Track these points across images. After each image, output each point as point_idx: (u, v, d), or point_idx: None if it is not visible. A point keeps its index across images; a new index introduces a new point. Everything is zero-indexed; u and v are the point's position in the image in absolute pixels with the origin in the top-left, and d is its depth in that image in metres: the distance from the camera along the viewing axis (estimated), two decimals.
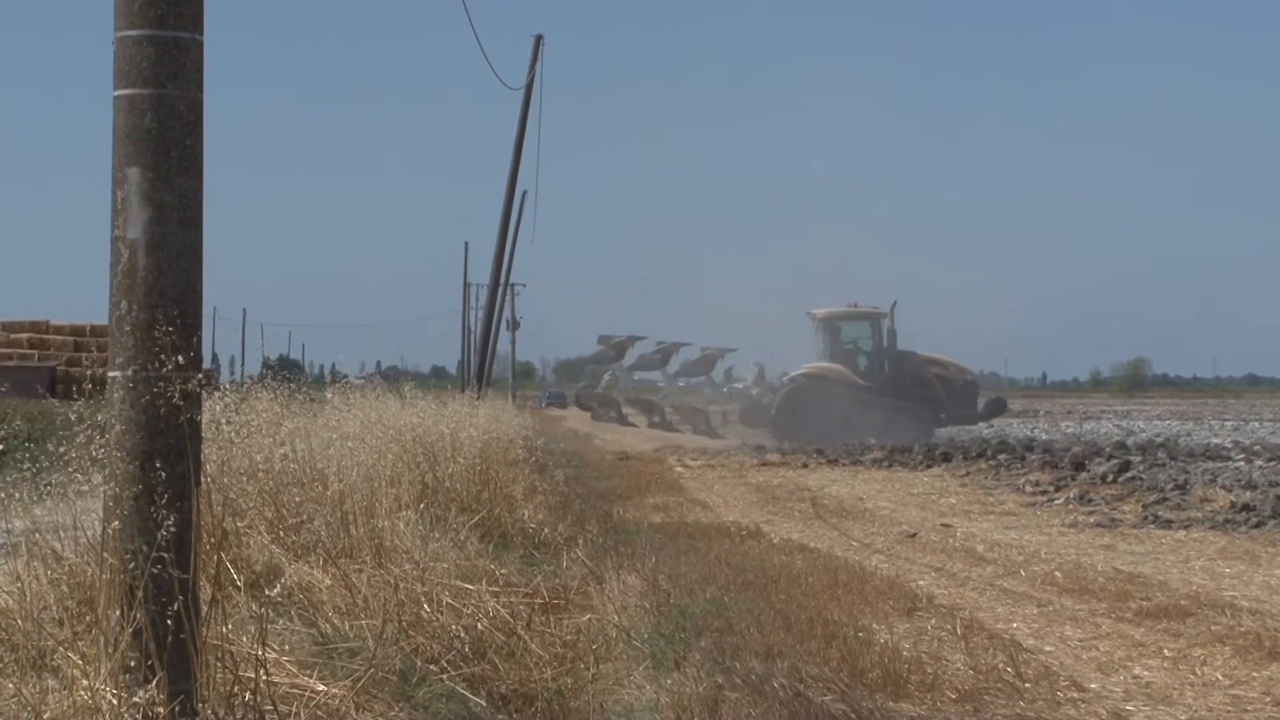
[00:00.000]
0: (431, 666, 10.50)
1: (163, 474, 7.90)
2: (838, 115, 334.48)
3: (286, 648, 9.58)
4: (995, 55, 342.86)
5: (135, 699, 7.72)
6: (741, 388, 53.46)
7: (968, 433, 52.38)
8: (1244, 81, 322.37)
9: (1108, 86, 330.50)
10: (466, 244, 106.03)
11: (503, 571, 13.85)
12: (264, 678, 8.50)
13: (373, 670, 9.49)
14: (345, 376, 25.57)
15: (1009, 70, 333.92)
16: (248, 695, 8.39)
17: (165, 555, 7.85)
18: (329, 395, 18.06)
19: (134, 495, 7.90)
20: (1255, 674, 11.69)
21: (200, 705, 8.03)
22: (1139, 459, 35.10)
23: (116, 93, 8.13)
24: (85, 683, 7.97)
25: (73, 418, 9.20)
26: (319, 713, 8.89)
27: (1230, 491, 25.39)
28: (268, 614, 9.47)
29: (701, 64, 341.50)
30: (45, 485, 10.41)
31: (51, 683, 8.42)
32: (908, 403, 50.27)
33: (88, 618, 8.75)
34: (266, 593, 10.34)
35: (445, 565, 12.76)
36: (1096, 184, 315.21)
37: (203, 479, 8.31)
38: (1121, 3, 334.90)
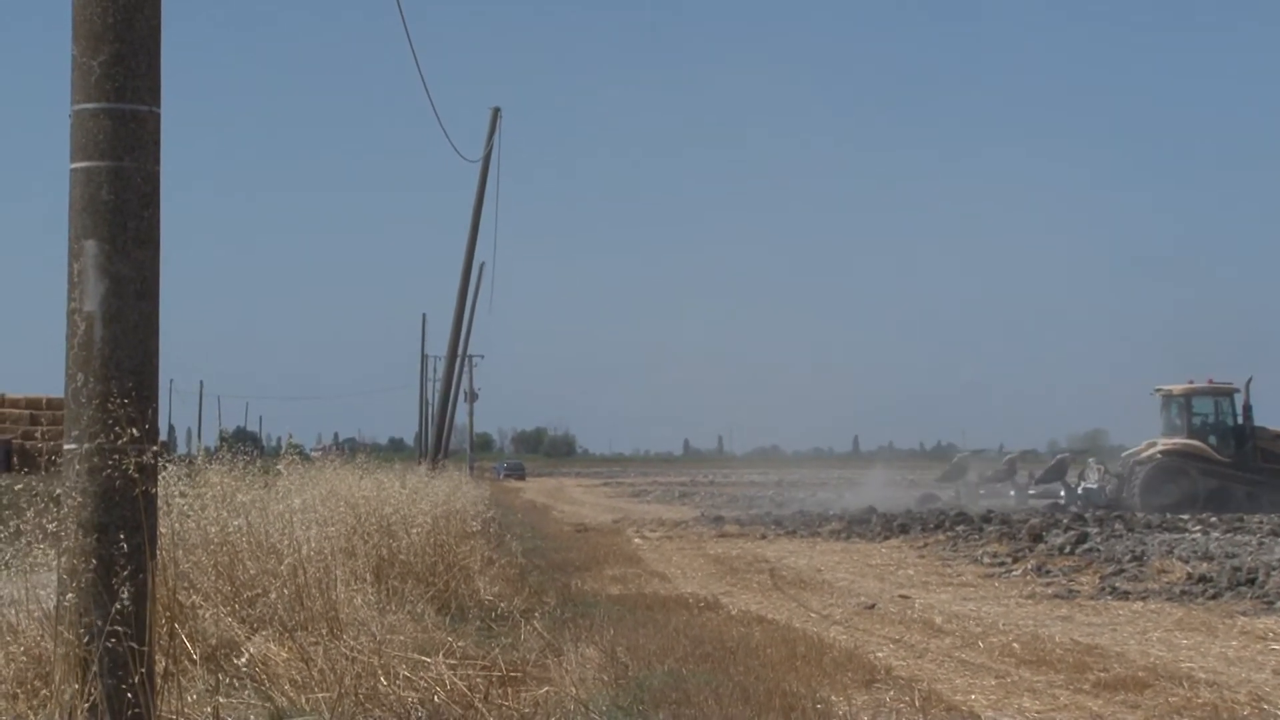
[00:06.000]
0: None
1: (118, 547, 7.86)
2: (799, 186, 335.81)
3: None
4: (954, 123, 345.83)
5: None
6: (1095, 488, 52.68)
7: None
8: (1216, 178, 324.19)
9: (1048, 165, 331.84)
10: (424, 316, 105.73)
11: (460, 644, 13.78)
12: None
13: None
14: (300, 448, 25.46)
15: (974, 141, 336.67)
16: None
17: (120, 629, 7.79)
18: (280, 468, 17.96)
19: (89, 568, 7.85)
20: None
21: None
22: (1096, 530, 35.10)
23: (73, 165, 8.11)
24: None
25: (18, 489, 9.15)
26: None
27: (1187, 563, 25.43)
28: (230, 684, 9.41)
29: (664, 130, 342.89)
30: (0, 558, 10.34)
31: None
32: (1264, 477, 50.51)
33: (43, 691, 8.68)
34: (234, 660, 10.28)
35: (402, 637, 12.70)
36: (1049, 258, 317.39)
37: (158, 552, 8.27)
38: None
